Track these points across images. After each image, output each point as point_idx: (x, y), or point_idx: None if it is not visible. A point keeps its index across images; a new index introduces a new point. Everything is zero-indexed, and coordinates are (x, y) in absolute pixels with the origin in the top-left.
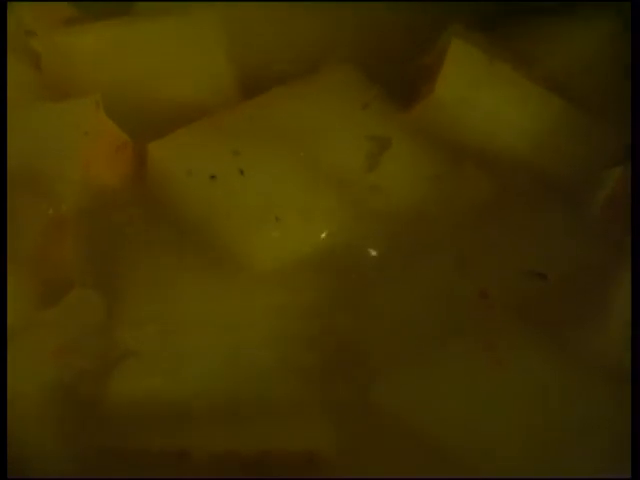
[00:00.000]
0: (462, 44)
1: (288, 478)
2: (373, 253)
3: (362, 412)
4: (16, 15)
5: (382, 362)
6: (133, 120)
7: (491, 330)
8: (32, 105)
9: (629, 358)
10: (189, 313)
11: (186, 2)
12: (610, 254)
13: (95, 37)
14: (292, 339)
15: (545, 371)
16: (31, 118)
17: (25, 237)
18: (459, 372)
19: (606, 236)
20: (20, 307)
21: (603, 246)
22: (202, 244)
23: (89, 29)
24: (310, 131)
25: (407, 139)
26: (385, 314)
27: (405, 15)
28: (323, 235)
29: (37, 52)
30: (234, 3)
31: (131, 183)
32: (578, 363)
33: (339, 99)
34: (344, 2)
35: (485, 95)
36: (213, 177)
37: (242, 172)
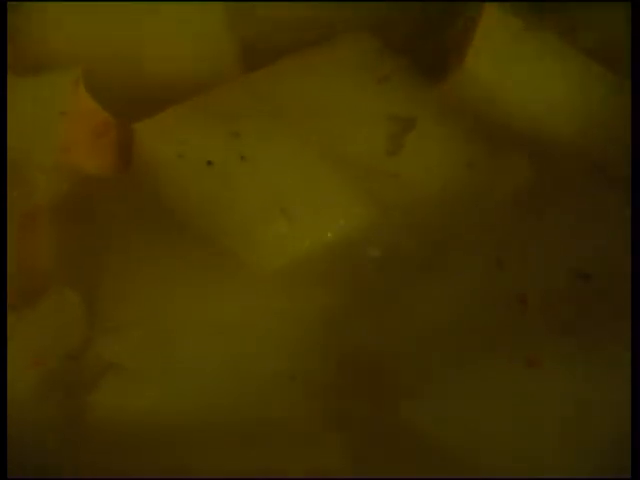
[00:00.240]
0: (496, 10)
1: None
2: (394, 252)
3: (383, 431)
4: None
5: (405, 376)
6: (117, 98)
7: (532, 343)
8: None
9: None
10: (181, 318)
11: None
12: None
13: (74, 3)
14: (301, 349)
15: (593, 391)
16: None
17: None
18: (496, 390)
19: None
20: None
21: None
22: (197, 240)
23: None
24: (321, 110)
25: (433, 119)
26: (408, 322)
27: None
28: (336, 230)
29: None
30: None
31: (115, 170)
32: (627, 384)
33: (354, 72)
34: None
35: (524, 68)
36: (210, 163)
37: (243, 157)
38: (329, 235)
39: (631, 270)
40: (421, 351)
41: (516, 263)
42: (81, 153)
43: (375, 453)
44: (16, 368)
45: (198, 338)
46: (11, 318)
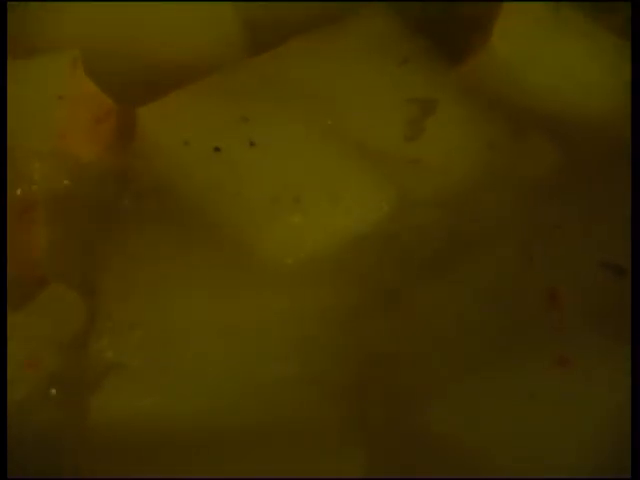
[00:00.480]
0: None
1: None
2: (414, 244)
3: (401, 436)
4: None
5: (426, 378)
6: (119, 81)
7: (563, 341)
8: None
9: None
10: (187, 316)
11: None
12: None
13: None
14: (314, 349)
15: (628, 392)
16: None
17: None
18: (524, 391)
19: None
20: None
21: None
22: (203, 232)
23: None
24: (335, 92)
25: (456, 101)
26: (430, 320)
27: None
28: (353, 221)
29: None
30: None
31: (116, 158)
32: None
33: (372, 53)
34: None
35: (551, 48)
36: (217, 149)
37: (252, 143)
38: (346, 227)
39: (631, 270)
40: (443, 351)
41: (544, 255)
42: (80, 139)
43: (392, 457)
44: (15, 368)
45: (203, 337)
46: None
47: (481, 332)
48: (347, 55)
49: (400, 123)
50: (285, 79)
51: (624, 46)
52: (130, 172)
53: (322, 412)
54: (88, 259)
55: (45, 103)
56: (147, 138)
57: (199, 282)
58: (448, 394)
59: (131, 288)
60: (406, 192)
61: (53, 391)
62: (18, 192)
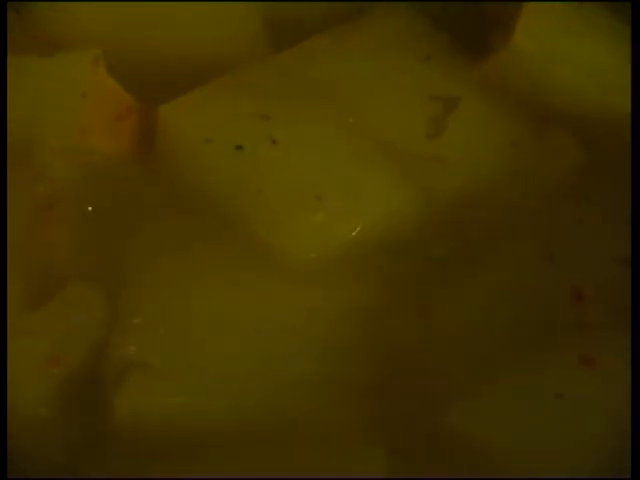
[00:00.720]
0: None
1: None
2: (437, 242)
3: (423, 436)
4: None
5: (449, 377)
6: (140, 79)
7: (587, 340)
8: (17, 61)
9: None
10: (210, 315)
11: None
12: None
13: None
14: (337, 347)
15: None
16: (16, 77)
17: (10, 220)
18: (549, 391)
19: None
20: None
21: None
22: (226, 230)
23: None
24: (357, 90)
25: (478, 99)
26: (452, 319)
27: None
28: (375, 219)
29: None
30: None
31: (137, 155)
32: None
33: (393, 50)
34: None
35: (574, 46)
36: (239, 147)
37: (274, 141)
38: (368, 225)
39: (631, 270)
40: (466, 350)
41: (567, 253)
42: (101, 137)
43: (414, 457)
44: (35, 367)
45: (226, 335)
46: (28, 315)
47: (504, 331)
48: (368, 52)
49: (422, 121)
50: (306, 77)
51: None
52: (151, 170)
53: (344, 412)
54: (110, 257)
55: (68, 100)
56: (169, 135)
57: (222, 280)
58: (472, 394)
59: (154, 286)
60: (428, 190)
61: (76, 388)
62: (40, 189)
